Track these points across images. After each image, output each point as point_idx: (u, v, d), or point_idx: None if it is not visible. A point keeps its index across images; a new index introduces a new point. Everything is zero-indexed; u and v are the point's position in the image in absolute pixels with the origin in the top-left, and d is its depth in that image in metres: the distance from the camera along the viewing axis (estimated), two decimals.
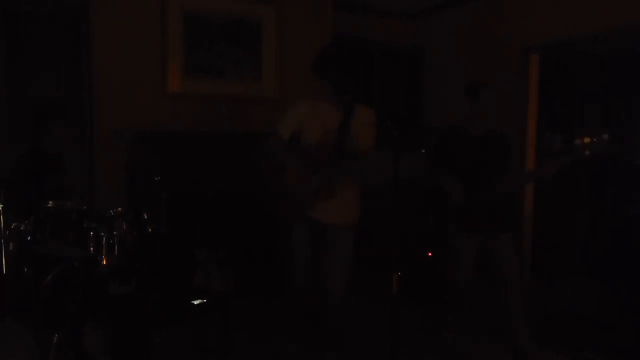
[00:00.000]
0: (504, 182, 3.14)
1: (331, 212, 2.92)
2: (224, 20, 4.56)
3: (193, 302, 3.05)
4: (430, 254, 4.21)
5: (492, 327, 3.64)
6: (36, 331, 2.64)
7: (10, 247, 2.86)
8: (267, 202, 3.03)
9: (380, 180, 2.67)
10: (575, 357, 3.30)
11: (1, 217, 2.81)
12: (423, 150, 4.24)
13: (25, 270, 2.83)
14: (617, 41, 4.83)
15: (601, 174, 4.86)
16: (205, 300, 3.06)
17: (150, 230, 3.13)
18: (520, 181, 3.76)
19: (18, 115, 4.04)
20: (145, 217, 3.15)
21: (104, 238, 2.80)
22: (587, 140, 2.83)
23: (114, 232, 2.86)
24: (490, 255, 3.24)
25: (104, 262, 2.77)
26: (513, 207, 3.32)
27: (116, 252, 2.85)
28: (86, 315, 2.51)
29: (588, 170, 4.88)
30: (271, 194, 3.02)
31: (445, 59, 5.52)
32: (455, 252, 3.26)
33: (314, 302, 3.10)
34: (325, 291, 3.03)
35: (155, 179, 3.61)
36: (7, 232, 2.84)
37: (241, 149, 4.36)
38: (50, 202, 2.95)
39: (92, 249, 2.83)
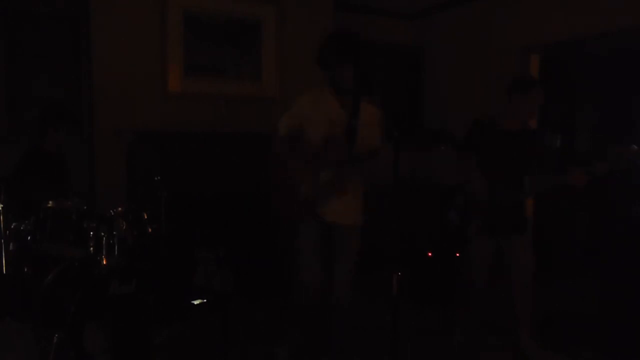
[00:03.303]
0: (530, 183, 3.06)
1: (338, 212, 2.85)
2: (224, 20, 4.56)
3: (193, 302, 3.04)
4: (430, 254, 4.20)
5: (493, 327, 3.64)
6: (36, 331, 2.63)
7: (10, 247, 2.86)
8: (269, 201, 2.98)
9: (388, 178, 2.62)
10: (575, 357, 3.30)
11: (1, 217, 2.81)
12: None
13: (25, 270, 2.83)
14: (617, 41, 4.83)
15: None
16: (205, 300, 3.05)
17: (150, 230, 3.13)
18: (543, 185, 3.21)
19: (18, 115, 4.03)
20: (145, 217, 3.14)
21: (104, 238, 2.80)
22: (618, 150, 2.78)
23: (114, 232, 2.86)
24: (506, 256, 3.23)
25: (104, 262, 2.77)
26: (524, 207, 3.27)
27: (116, 252, 2.85)
28: (86, 315, 2.51)
29: None
30: (273, 193, 2.97)
31: (445, 59, 5.51)
32: (474, 251, 3.24)
33: (318, 302, 3.06)
34: (331, 293, 3.00)
35: (155, 179, 3.61)
36: (7, 232, 2.84)
37: (241, 149, 4.36)
38: (50, 202, 2.95)
39: (92, 249, 2.83)
